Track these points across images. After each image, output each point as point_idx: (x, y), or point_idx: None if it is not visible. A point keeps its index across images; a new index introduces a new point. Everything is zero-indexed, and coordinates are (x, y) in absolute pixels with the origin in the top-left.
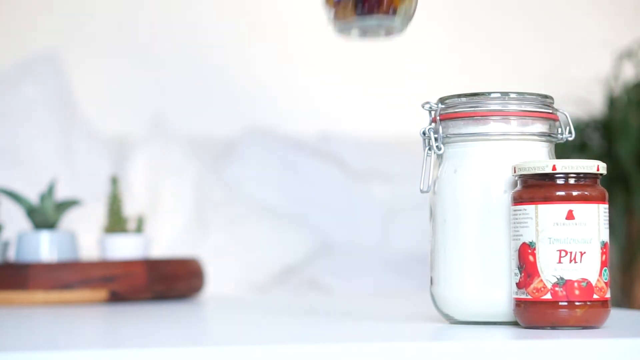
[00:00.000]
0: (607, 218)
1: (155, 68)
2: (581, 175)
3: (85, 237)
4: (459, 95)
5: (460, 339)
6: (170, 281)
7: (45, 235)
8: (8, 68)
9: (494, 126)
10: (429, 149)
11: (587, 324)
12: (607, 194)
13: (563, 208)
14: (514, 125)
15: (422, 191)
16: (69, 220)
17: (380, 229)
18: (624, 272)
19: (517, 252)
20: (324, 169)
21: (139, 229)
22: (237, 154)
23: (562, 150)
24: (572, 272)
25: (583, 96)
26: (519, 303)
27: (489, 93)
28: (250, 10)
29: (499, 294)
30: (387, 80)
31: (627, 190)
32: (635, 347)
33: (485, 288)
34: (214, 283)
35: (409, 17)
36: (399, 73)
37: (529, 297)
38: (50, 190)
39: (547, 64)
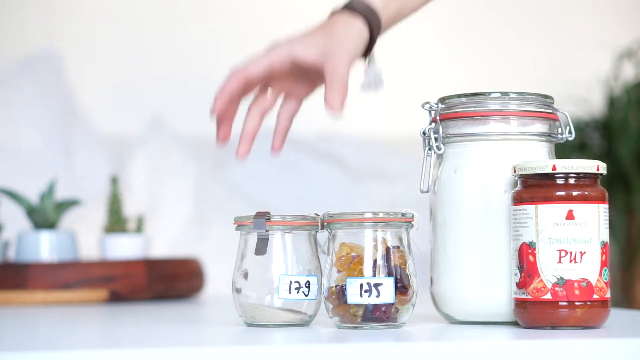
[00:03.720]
0: (607, 218)
1: (155, 68)
2: (581, 175)
3: (85, 237)
4: (459, 95)
5: (460, 339)
6: (170, 281)
7: (45, 235)
8: (8, 68)
9: (494, 126)
10: (429, 149)
11: (587, 324)
12: (607, 194)
13: (563, 208)
14: (514, 125)
15: (422, 191)
16: (69, 220)
17: None
18: (624, 272)
19: (517, 252)
20: (324, 169)
21: (139, 229)
22: None
23: (562, 150)
24: (572, 272)
25: (583, 96)
26: (519, 303)
27: (489, 93)
28: (250, 11)
29: (499, 294)
30: (387, 80)
31: (627, 190)
32: (635, 347)
33: (485, 288)
34: (214, 283)
35: (413, 304)
36: (399, 73)
37: (529, 297)
38: (50, 190)
39: (547, 64)
